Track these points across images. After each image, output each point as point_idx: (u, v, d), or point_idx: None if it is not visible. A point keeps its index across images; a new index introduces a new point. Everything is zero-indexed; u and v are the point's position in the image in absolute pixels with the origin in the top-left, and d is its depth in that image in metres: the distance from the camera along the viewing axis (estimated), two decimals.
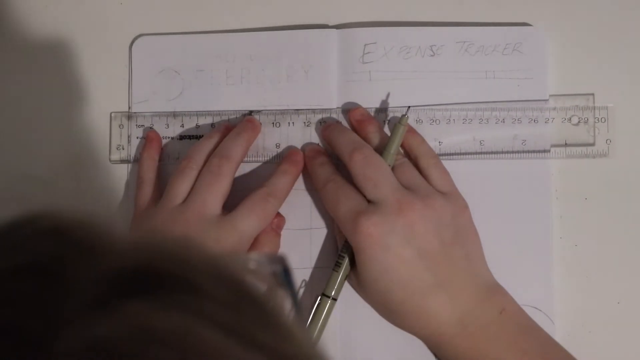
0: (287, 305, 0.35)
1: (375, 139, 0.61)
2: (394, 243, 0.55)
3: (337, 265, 0.59)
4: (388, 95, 0.63)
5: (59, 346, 0.25)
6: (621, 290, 0.62)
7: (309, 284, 0.62)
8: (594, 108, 0.63)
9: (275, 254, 0.36)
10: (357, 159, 0.58)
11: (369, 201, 0.57)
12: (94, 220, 0.29)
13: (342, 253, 0.59)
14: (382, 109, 0.63)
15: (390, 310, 0.58)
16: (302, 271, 0.62)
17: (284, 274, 0.35)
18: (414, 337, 0.59)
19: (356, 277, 0.59)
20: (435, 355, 0.60)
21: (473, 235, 0.59)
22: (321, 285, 0.60)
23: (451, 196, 0.58)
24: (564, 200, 0.62)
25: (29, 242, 0.28)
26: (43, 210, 0.29)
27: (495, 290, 0.58)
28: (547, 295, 0.61)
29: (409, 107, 0.61)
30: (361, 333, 0.61)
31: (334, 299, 0.59)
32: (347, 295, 0.61)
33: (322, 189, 0.60)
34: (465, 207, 0.59)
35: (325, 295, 0.59)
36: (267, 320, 0.29)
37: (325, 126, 0.62)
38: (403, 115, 0.60)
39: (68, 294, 0.26)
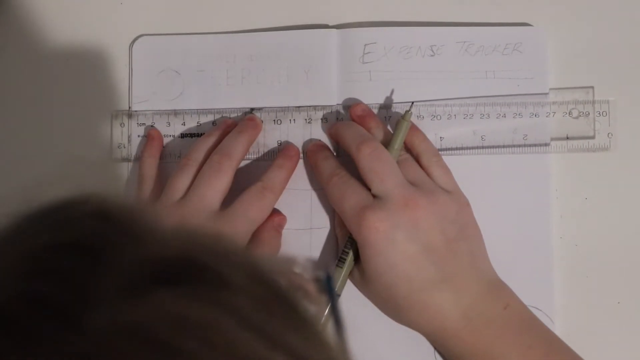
0: (326, 313, 0.35)
1: (378, 134, 0.61)
2: (399, 238, 0.55)
3: (341, 260, 0.59)
4: (392, 92, 0.63)
5: (90, 323, 0.25)
6: (621, 290, 0.62)
7: None
8: (594, 102, 0.63)
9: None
10: (365, 152, 0.58)
11: (374, 195, 0.57)
12: (141, 207, 0.29)
13: (345, 249, 0.59)
14: (384, 107, 0.63)
15: (394, 305, 0.58)
16: None
17: (327, 281, 0.36)
18: (415, 335, 0.59)
19: (360, 272, 0.59)
20: (439, 352, 0.60)
21: (476, 232, 0.59)
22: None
23: (454, 193, 0.59)
24: (564, 199, 0.62)
25: (75, 221, 0.29)
26: (93, 193, 0.30)
27: (498, 286, 0.59)
28: (547, 295, 0.61)
29: (413, 102, 0.61)
30: (361, 331, 0.61)
31: (338, 295, 0.58)
32: (348, 294, 0.61)
33: (327, 183, 0.60)
34: (467, 204, 0.59)
35: None
36: (298, 325, 0.29)
37: (332, 124, 0.62)
38: (407, 111, 0.60)
39: (106, 274, 0.27)
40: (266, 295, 0.29)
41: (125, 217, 0.29)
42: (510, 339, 0.56)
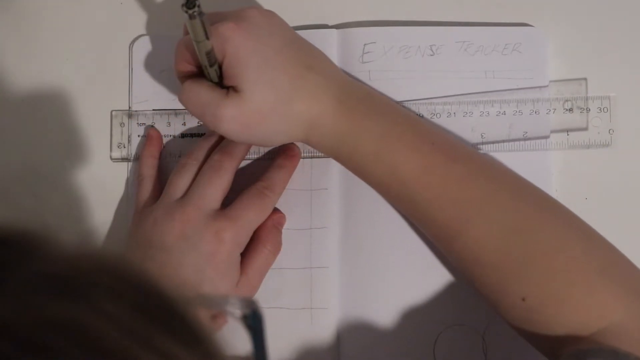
0: (252, 350, 0.38)
1: None
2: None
3: None
4: (391, 91, 0.63)
5: None
6: None
7: (308, 286, 0.62)
8: (587, 94, 0.63)
9: (249, 299, 0.38)
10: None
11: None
12: (35, 231, 0.32)
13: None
14: None
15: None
16: (302, 271, 0.62)
17: (253, 318, 0.38)
18: (414, 334, 0.59)
19: None
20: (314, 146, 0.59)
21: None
22: (321, 286, 0.60)
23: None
24: (564, 200, 0.62)
25: None
26: None
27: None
28: None
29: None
30: (361, 331, 0.61)
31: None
32: (347, 298, 0.61)
33: None
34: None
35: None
36: (182, 335, 0.31)
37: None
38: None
39: None
40: (148, 306, 0.31)
41: (22, 241, 0.32)
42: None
